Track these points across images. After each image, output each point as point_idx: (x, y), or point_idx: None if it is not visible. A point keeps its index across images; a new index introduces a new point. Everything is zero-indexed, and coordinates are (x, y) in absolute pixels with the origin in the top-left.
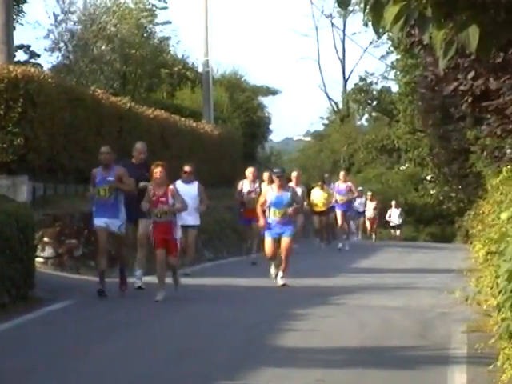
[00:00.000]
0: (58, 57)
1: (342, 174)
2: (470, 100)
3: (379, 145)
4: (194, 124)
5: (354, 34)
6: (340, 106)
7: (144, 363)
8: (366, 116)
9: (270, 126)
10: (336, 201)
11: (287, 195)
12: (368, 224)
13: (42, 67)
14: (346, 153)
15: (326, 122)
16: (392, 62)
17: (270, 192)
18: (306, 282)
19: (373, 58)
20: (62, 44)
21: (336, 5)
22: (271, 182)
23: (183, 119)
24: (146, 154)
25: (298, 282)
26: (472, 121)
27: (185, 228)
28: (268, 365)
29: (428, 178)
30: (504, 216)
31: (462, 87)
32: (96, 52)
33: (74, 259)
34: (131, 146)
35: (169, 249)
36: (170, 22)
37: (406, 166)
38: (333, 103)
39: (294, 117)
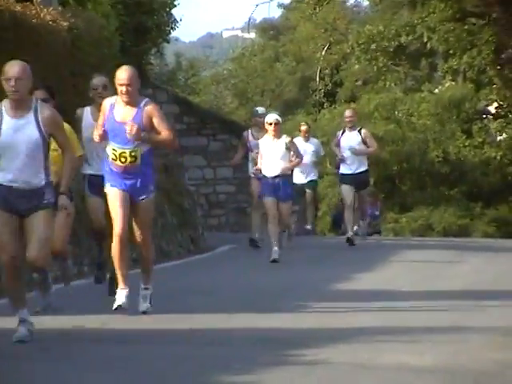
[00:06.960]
0: None
1: None
2: None
3: (392, 44)
4: (20, 8)
5: None
6: None
7: None
8: None
9: (175, 12)
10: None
11: None
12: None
13: None
14: (327, 62)
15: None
16: None
17: None
18: (249, 321)
19: None
20: None
21: None
22: None
23: None
24: None
25: (236, 319)
26: None
27: None
28: None
29: (491, 108)
30: None
31: None
32: None
33: None
34: None
35: None
36: None
37: (447, 84)
38: None
39: None
